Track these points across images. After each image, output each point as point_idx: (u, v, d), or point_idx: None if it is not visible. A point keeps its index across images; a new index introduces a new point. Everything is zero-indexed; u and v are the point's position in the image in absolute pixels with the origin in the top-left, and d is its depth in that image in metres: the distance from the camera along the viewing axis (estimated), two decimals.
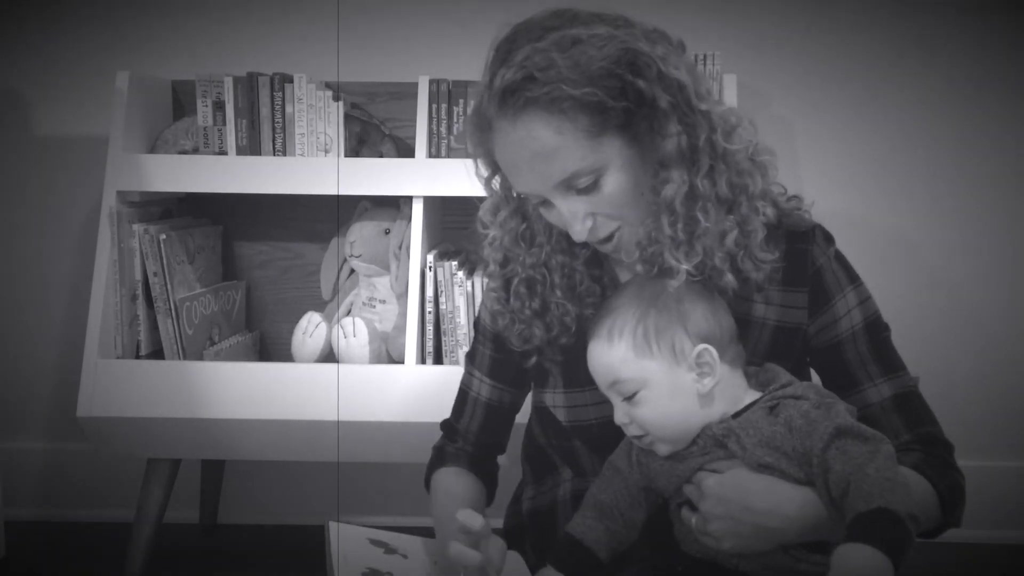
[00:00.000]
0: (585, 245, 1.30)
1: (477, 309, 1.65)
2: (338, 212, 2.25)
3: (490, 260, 1.36)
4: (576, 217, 1.23)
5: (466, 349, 1.50)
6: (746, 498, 1.16)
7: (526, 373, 1.43)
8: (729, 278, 1.23)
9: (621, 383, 1.20)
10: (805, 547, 1.18)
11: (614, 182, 1.21)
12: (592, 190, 1.21)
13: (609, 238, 1.26)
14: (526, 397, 1.49)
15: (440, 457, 1.48)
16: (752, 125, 1.27)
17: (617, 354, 1.20)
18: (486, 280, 1.44)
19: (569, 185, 1.20)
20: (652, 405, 1.20)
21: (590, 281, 1.34)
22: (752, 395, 1.23)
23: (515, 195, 1.32)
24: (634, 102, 1.17)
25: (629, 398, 1.20)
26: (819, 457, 1.13)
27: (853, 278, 1.33)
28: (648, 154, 1.20)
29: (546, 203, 1.25)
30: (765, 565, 1.19)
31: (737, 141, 1.23)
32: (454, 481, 1.45)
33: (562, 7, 1.23)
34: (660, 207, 1.21)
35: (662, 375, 1.19)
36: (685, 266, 1.21)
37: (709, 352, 1.19)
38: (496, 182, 1.32)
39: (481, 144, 1.26)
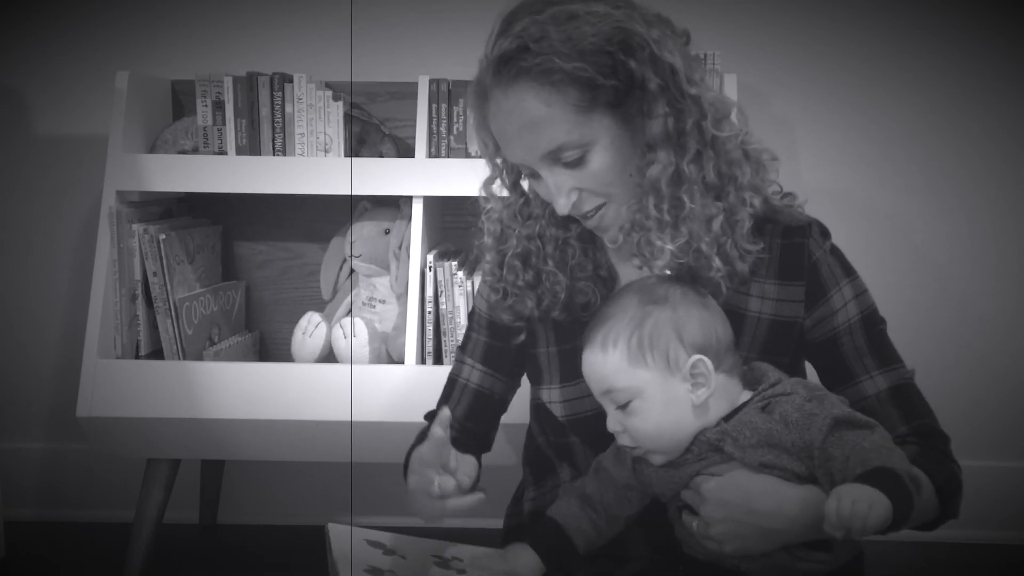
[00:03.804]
0: (577, 220, 1.31)
1: (472, 300, 1.66)
2: (327, 209, 2.26)
3: (487, 233, 1.38)
4: (561, 190, 1.24)
5: None
6: (747, 500, 1.16)
7: (520, 363, 1.44)
8: (717, 263, 1.24)
9: (615, 392, 1.20)
10: (807, 546, 1.18)
11: (600, 159, 1.22)
12: (578, 164, 1.23)
13: (593, 214, 1.27)
14: (515, 393, 1.49)
15: (420, 439, 1.40)
16: (743, 114, 1.29)
17: (611, 362, 1.20)
18: (482, 256, 1.42)
19: (556, 157, 1.22)
20: (645, 415, 1.19)
21: (582, 255, 1.35)
22: (745, 396, 1.23)
23: (516, 170, 1.33)
24: (624, 81, 1.19)
25: (623, 407, 1.20)
26: (819, 448, 1.13)
27: (849, 271, 1.33)
28: (637, 135, 1.22)
29: (535, 175, 1.26)
30: (767, 565, 1.19)
31: (727, 129, 1.25)
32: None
33: None
34: (646, 188, 1.23)
35: (656, 385, 1.19)
36: (670, 247, 1.22)
37: (704, 363, 1.19)
38: (499, 158, 1.33)
39: (479, 113, 1.28)
